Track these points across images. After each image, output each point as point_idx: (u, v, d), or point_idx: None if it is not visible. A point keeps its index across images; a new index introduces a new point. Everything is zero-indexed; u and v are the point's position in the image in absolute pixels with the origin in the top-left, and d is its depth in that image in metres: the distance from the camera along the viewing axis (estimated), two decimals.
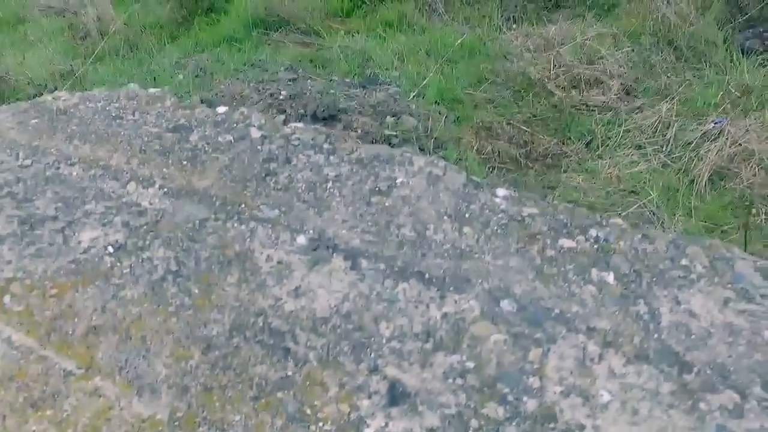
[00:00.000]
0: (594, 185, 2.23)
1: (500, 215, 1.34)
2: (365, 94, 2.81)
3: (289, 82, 2.87)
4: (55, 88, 3.19)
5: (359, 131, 2.52)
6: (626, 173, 2.28)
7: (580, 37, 3.30)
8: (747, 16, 3.48)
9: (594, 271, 1.27)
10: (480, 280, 1.27)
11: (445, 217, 1.35)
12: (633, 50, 3.19)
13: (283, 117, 2.55)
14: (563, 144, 2.54)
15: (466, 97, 2.90)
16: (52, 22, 4.43)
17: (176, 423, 1.07)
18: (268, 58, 3.20)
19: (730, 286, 1.24)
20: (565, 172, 2.35)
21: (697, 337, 1.19)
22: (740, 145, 2.31)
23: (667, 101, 2.71)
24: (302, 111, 2.57)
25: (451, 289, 1.29)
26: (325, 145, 1.61)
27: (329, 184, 1.46)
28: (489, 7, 3.97)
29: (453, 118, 2.75)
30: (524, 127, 2.60)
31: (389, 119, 2.59)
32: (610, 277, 1.25)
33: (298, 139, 1.55)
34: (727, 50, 3.21)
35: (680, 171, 2.30)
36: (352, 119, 2.56)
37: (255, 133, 1.61)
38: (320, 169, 1.52)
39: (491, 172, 2.36)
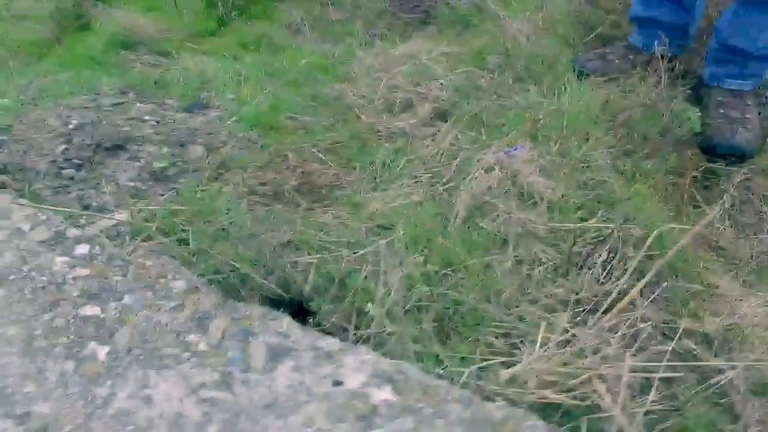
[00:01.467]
0: (347, 222, 2.16)
1: (47, 277, 1.29)
2: (186, 119, 2.77)
3: (110, 108, 2.83)
4: None
5: (142, 162, 2.47)
6: (390, 208, 2.20)
7: (426, 56, 3.21)
8: (594, 34, 3.36)
9: (91, 345, 1.21)
10: None
11: None
12: (470, 71, 3.10)
13: (64, 147, 2.51)
14: (347, 174, 2.47)
15: (288, 122, 2.84)
16: None
17: None
18: (106, 81, 3.16)
19: (223, 366, 1.16)
20: (329, 206, 2.28)
21: (137, 428, 1.11)
22: (509, 177, 2.22)
23: (463, 128, 2.62)
24: (89, 142, 2.53)
25: None
26: None
27: None
28: (355, 25, 3.90)
29: (258, 146, 2.69)
30: (321, 155, 2.54)
31: (163, 150, 2.54)
32: (102, 353, 1.19)
33: None
34: (572, 71, 3.10)
35: (446, 205, 2.22)
36: (139, 150, 2.52)
37: None
38: None
39: (251, 207, 2.30)
